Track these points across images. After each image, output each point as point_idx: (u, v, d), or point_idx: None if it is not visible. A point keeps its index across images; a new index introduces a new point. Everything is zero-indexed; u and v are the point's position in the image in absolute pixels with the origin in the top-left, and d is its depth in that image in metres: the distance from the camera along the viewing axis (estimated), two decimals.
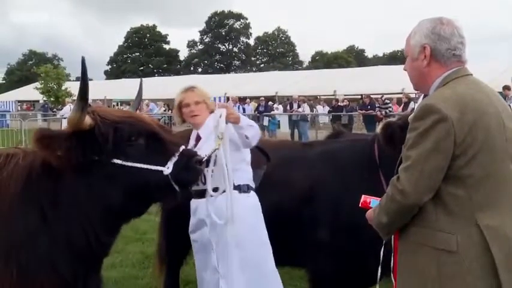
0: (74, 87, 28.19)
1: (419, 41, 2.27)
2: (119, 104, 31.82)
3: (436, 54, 2.24)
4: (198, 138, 3.46)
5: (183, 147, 2.73)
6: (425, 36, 2.25)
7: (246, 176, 3.36)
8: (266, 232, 3.34)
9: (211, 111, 3.53)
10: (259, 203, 3.38)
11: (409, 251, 2.24)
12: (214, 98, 27.60)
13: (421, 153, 2.08)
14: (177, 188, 2.66)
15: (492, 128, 2.11)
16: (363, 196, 2.60)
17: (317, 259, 3.61)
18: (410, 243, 2.23)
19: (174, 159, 2.64)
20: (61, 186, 2.64)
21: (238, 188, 3.29)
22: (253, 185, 3.40)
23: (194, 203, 3.44)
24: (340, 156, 3.74)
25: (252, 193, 3.37)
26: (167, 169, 2.61)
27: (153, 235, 6.03)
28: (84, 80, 2.56)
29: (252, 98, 26.75)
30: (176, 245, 4.41)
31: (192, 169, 2.69)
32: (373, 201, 2.52)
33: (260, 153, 3.56)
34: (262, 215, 3.36)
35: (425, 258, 2.15)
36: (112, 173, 2.60)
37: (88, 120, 2.57)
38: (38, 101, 36.44)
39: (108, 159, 2.59)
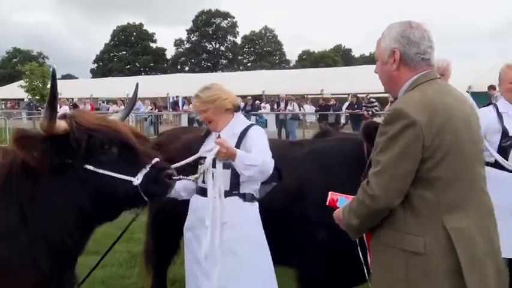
0: (60, 85, 27.58)
1: (389, 44, 2.27)
2: (104, 102, 31.59)
3: (405, 58, 2.25)
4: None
5: (156, 159, 2.75)
6: (395, 40, 2.25)
7: (253, 187, 3.29)
8: (264, 237, 3.30)
9: (231, 109, 3.44)
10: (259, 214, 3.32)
11: (379, 251, 2.27)
12: None
13: (391, 158, 2.09)
14: (146, 198, 2.71)
15: (460, 131, 2.13)
16: (329, 193, 2.57)
17: (305, 258, 3.62)
18: (380, 244, 2.26)
19: (145, 170, 2.68)
20: (38, 187, 2.69)
21: (243, 196, 3.25)
22: (257, 196, 3.35)
23: (197, 200, 3.35)
24: (329, 155, 3.74)
25: (256, 204, 3.32)
26: (137, 180, 2.66)
27: (140, 234, 5.99)
28: (53, 89, 2.61)
29: (239, 97, 26.64)
30: (163, 245, 4.40)
31: (161, 182, 2.72)
32: (340, 199, 2.52)
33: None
34: (261, 224, 3.30)
35: (395, 259, 2.17)
36: (84, 178, 2.66)
37: (63, 125, 2.63)
38: (22, 99, 35.96)
39: (81, 164, 2.65)
